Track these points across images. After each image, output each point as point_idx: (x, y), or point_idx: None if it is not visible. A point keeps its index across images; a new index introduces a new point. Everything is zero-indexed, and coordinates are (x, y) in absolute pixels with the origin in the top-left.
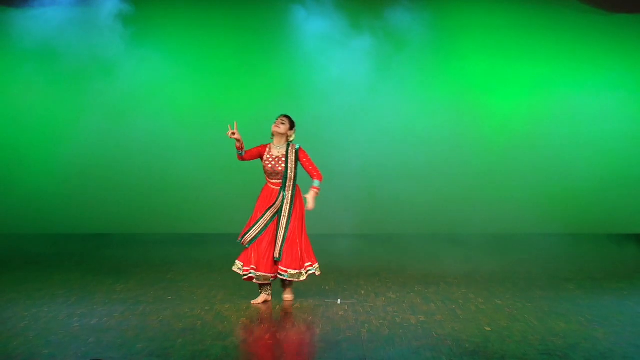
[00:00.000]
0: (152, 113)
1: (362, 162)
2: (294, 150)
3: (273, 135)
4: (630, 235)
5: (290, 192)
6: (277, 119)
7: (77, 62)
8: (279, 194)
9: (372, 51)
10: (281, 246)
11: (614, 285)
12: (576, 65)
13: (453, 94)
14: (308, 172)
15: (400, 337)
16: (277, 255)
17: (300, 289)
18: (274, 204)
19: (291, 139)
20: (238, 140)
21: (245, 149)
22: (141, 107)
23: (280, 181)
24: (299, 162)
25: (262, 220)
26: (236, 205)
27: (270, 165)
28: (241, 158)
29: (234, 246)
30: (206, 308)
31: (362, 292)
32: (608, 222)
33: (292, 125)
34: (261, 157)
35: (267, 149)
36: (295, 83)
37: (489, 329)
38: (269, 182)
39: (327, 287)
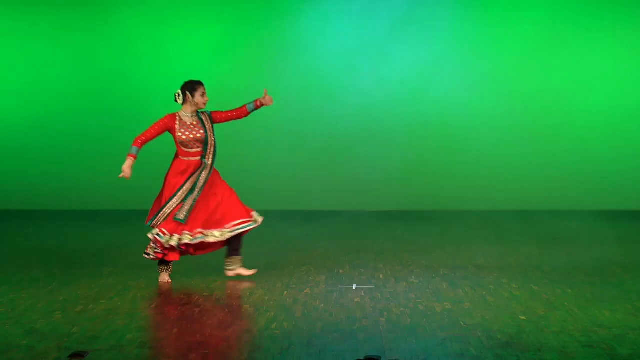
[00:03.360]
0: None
1: (382, 131)
2: (206, 116)
3: (187, 104)
4: None
5: (211, 160)
6: (202, 89)
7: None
8: (201, 163)
9: (392, 18)
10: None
11: None
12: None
13: (471, 64)
14: (234, 115)
15: (424, 327)
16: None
17: (312, 272)
18: (193, 172)
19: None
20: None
21: (138, 147)
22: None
23: (200, 149)
24: (214, 125)
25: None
26: (236, 178)
27: (187, 134)
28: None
29: None
30: (205, 294)
31: (381, 276)
32: None
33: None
34: (170, 130)
35: (177, 119)
36: (307, 45)
37: (524, 318)
38: (185, 154)
39: (341, 271)
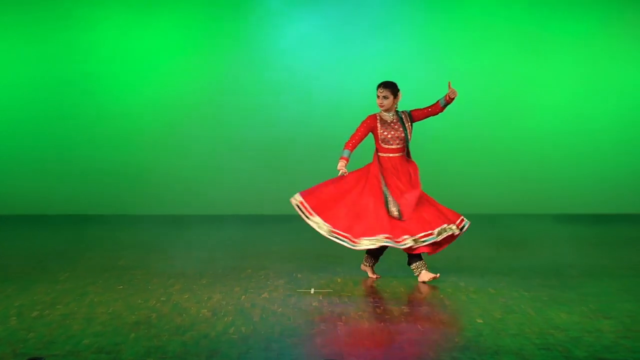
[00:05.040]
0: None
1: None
2: (405, 114)
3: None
4: None
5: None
6: (378, 92)
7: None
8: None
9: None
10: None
11: (622, 271)
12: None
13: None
14: (430, 111)
15: (381, 330)
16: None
17: (270, 276)
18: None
19: (397, 106)
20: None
21: (350, 150)
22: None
23: (401, 146)
24: (413, 123)
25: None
26: (196, 184)
27: (386, 132)
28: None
29: (193, 229)
30: (162, 299)
31: (339, 280)
32: (618, 200)
33: (395, 93)
34: (372, 130)
35: (378, 119)
36: (282, 47)
37: (481, 321)
38: (385, 151)
39: (299, 275)
